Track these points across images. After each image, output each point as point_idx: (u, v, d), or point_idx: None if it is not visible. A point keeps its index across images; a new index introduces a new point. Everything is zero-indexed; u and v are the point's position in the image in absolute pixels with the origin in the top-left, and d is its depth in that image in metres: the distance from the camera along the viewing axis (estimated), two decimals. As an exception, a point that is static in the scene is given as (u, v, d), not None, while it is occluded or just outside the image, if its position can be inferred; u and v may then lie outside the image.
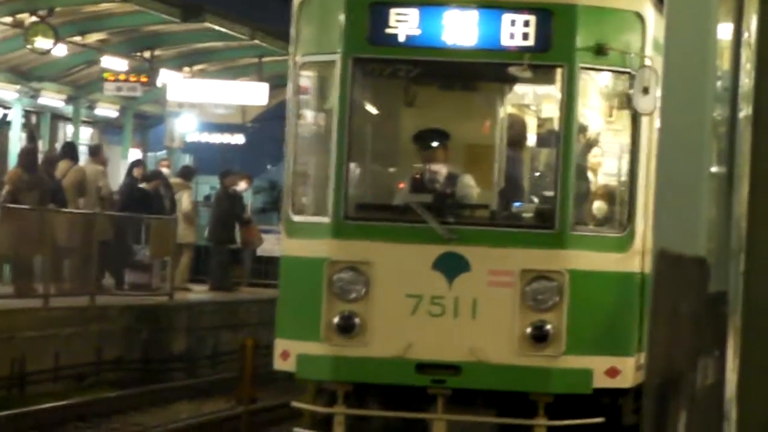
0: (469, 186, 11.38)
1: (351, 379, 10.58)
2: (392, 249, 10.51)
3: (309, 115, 11.42)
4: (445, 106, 12.10)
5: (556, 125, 10.91)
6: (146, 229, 25.05)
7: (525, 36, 10.42)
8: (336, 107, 10.75)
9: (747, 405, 4.56)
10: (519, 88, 11.89)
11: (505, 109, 12.02)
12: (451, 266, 10.33)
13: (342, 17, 10.70)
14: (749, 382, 4.57)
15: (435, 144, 11.34)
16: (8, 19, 24.68)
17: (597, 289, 10.68)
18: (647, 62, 10.34)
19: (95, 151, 25.53)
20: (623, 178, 11.14)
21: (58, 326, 19.86)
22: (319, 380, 10.93)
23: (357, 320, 10.37)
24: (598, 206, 11.51)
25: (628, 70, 10.48)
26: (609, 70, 11.07)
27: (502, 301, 10.35)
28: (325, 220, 10.67)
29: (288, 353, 10.70)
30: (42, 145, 27.47)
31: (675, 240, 5.66)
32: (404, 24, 10.57)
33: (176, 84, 30.71)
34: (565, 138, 10.61)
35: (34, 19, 24.36)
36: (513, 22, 10.42)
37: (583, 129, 11.44)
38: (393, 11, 10.59)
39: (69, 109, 30.93)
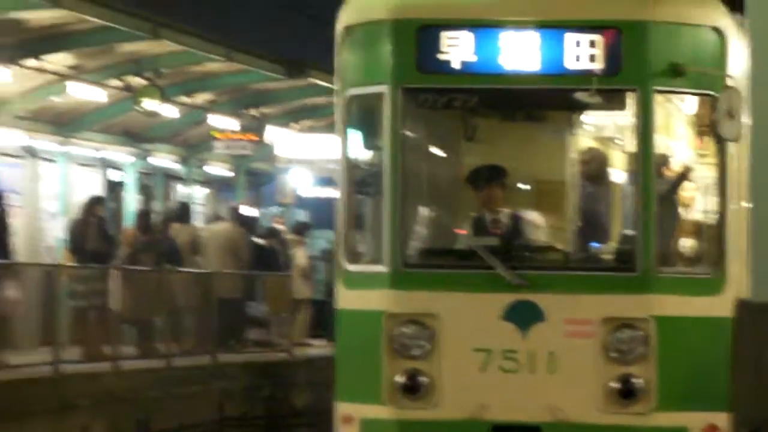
0: (539, 226, 10.56)
1: None
2: (457, 299, 9.62)
3: (360, 153, 10.43)
4: (507, 138, 11.18)
5: (632, 155, 10.02)
6: (263, 286, 25.31)
7: (592, 58, 9.52)
8: (387, 143, 9.90)
9: None
10: (588, 116, 11.00)
11: (575, 140, 11.27)
12: (524, 316, 9.49)
13: (388, 44, 9.85)
14: None
15: (491, 182, 10.41)
16: (117, 83, 25.34)
17: (687, 337, 9.71)
18: (729, 82, 9.55)
19: (236, 214, 26.09)
20: (712, 212, 10.17)
21: (181, 385, 20.11)
22: None
23: (423, 379, 9.55)
24: (686, 245, 10.64)
25: (709, 92, 9.57)
26: (688, 93, 10.07)
27: (582, 353, 9.48)
28: (383, 268, 9.79)
29: (352, 418, 9.89)
30: (156, 206, 28.00)
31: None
32: (457, 48, 9.67)
33: (285, 140, 31.11)
34: (644, 169, 9.67)
35: (141, 81, 25.03)
36: (578, 43, 9.53)
37: (664, 159, 10.59)
38: (444, 35, 9.68)
39: (181, 169, 31.57)
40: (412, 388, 9.49)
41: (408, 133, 9.97)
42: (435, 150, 11.12)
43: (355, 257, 10.12)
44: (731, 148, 9.82)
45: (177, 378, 20.16)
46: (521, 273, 9.52)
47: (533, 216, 10.50)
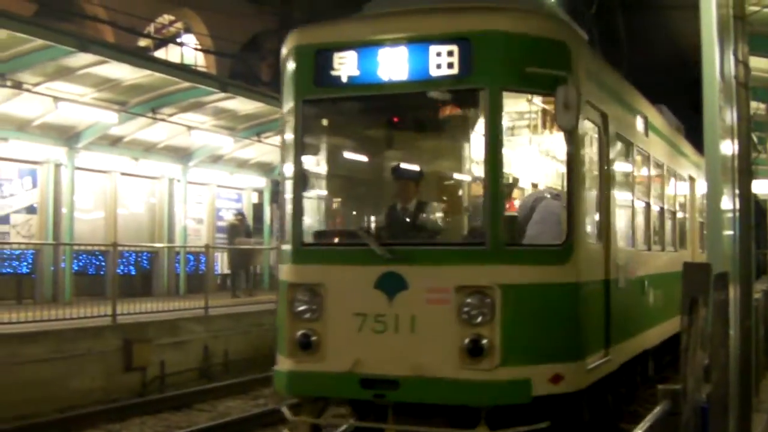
0: (410, 210, 11.38)
1: (307, 393, 10.72)
2: (341, 271, 10.46)
3: (287, 157, 11.24)
4: (390, 137, 12.53)
5: (483, 147, 10.24)
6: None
7: (450, 65, 10.12)
8: (291, 149, 10.92)
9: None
10: (450, 114, 11.91)
11: (439, 135, 12.49)
12: (391, 285, 10.10)
13: (295, 66, 10.89)
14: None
15: (401, 178, 11.57)
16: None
17: (532, 300, 10.02)
18: (567, 81, 9.76)
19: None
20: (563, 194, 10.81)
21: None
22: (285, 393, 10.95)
23: (314, 338, 10.44)
24: None
25: (551, 92, 9.80)
26: (532, 93, 10.97)
27: (439, 316, 9.97)
28: (289, 247, 10.83)
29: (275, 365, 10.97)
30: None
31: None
32: (345, 66, 10.54)
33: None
34: (491, 158, 10.09)
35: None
36: (438, 54, 10.16)
37: (512, 149, 11.68)
38: (335, 55, 10.59)
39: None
40: (305, 345, 10.50)
41: (307, 136, 11.06)
42: (329, 149, 12.13)
43: (284, 239, 11.25)
44: (581, 137, 10.45)
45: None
46: (391, 248, 10.17)
47: (411, 202, 11.48)
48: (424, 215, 11.39)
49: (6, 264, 24.26)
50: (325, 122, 11.96)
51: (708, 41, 10.38)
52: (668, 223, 17.73)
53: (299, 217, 10.86)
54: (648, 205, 15.34)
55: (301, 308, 10.59)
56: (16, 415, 16.94)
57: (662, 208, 16.84)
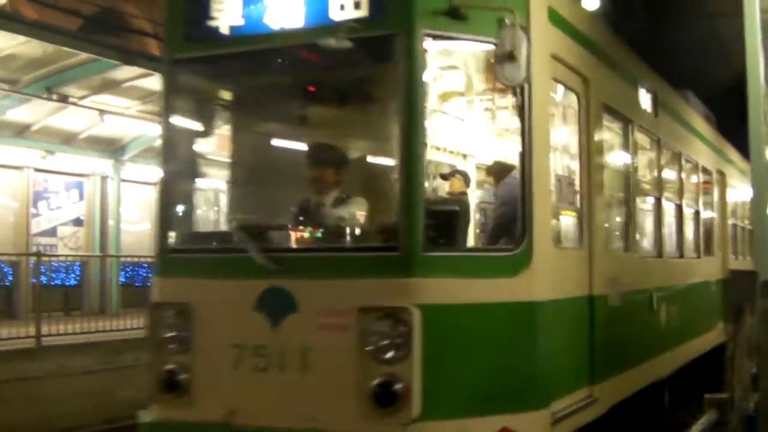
0: (326, 206, 8.66)
1: None
2: (215, 286, 7.88)
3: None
4: (279, 105, 9.43)
5: (398, 111, 7.43)
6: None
7: (357, 4, 7.57)
8: (162, 123, 8.66)
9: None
10: (355, 69, 8.80)
11: (341, 97, 9.32)
12: (275, 306, 7.56)
13: (166, 16, 8.59)
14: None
15: (315, 165, 8.76)
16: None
17: (468, 327, 7.40)
18: (512, 23, 7.23)
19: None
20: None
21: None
22: None
23: (182, 376, 7.99)
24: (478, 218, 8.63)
25: (491, 39, 7.40)
26: (467, 39, 7.90)
27: (337, 349, 7.37)
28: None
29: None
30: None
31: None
32: (224, 13, 8.12)
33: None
34: (408, 129, 7.30)
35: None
36: None
37: (438, 113, 9.01)
38: (213, 0, 8.18)
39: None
40: (171, 385, 8.05)
41: (178, 107, 8.61)
42: (207, 122, 9.15)
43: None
44: (536, 99, 7.80)
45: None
46: (280, 256, 7.69)
47: (302, 193, 8.92)
48: (338, 211, 8.56)
49: (54, 276, 24.44)
50: (202, 88, 9.05)
51: (752, 48, 10.46)
52: (688, 225, 15.09)
53: (167, 216, 8.52)
54: (658, 201, 12.75)
55: (166, 336, 8.10)
56: (65, 427, 17.10)
57: (680, 207, 14.28)
